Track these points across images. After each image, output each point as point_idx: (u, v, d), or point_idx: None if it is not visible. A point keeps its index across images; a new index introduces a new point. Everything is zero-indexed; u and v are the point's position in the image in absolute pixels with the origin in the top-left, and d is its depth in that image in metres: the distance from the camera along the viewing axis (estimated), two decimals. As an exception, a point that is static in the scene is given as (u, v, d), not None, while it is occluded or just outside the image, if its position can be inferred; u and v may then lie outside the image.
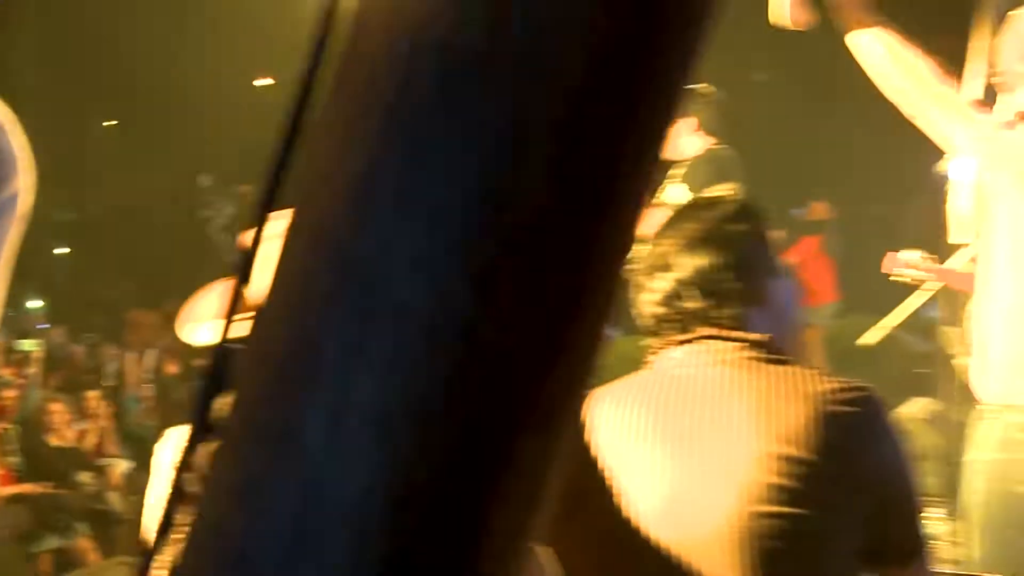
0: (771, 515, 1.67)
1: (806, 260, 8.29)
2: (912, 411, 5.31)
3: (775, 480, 1.67)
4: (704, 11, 0.73)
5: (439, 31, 0.70)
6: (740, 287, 1.81)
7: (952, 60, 4.04)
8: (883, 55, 2.96)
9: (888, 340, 5.63)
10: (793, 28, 2.98)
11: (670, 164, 5.27)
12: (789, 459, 1.68)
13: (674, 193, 5.05)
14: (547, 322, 0.72)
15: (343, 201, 0.72)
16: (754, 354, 1.78)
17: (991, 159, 2.90)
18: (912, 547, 1.79)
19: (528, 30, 0.68)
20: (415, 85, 0.70)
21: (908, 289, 5.26)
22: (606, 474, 1.77)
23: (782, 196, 7.98)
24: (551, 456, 0.74)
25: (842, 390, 1.73)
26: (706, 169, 5.11)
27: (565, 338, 0.74)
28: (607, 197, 0.73)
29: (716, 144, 5.21)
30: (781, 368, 1.77)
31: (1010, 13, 3.98)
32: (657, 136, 0.74)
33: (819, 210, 8.58)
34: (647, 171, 0.75)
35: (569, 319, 0.74)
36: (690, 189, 5.00)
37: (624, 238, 0.75)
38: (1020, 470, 2.82)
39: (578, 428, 1.80)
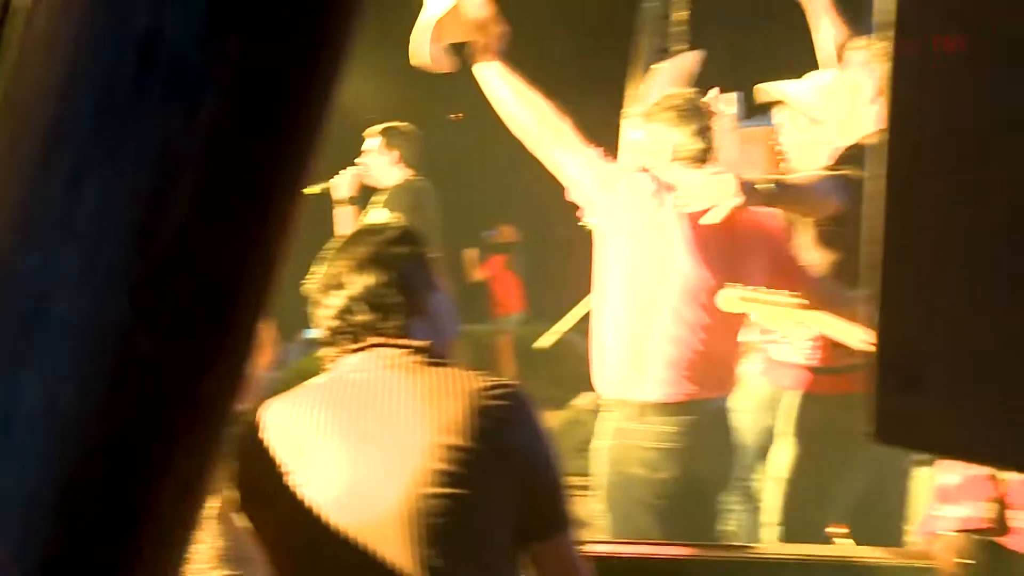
0: (436, 496, 1.74)
1: (495, 275, 8.50)
2: (582, 403, 5.49)
3: (439, 466, 1.74)
4: (339, 48, 0.75)
5: (93, 66, 0.69)
6: (402, 301, 1.88)
7: (611, 106, 4.23)
8: (508, 93, 3.02)
9: (562, 343, 5.80)
10: (434, 70, 3.01)
11: (373, 191, 5.30)
12: (450, 447, 1.75)
13: (376, 217, 5.08)
14: (200, 331, 0.72)
15: (7, 221, 0.70)
16: (417, 358, 1.85)
17: (596, 186, 3.03)
18: (556, 522, 1.85)
19: (175, 66, 0.68)
20: (72, 115, 0.69)
21: (579, 298, 5.44)
22: (288, 470, 1.79)
23: (474, 220, 8.13)
24: (208, 457, 0.74)
25: (493, 387, 1.81)
26: (405, 197, 5.16)
27: (218, 345, 0.74)
28: (254, 216, 0.73)
29: (415, 175, 5.26)
30: (441, 369, 1.84)
31: (652, 67, 4.22)
32: (300, 159, 0.75)
33: (507, 233, 8.79)
34: (293, 192, 0.76)
35: (221, 328, 0.74)
36: (390, 214, 5.04)
37: (272, 252, 0.75)
38: (630, 455, 2.97)
39: (256, 429, 1.82)
